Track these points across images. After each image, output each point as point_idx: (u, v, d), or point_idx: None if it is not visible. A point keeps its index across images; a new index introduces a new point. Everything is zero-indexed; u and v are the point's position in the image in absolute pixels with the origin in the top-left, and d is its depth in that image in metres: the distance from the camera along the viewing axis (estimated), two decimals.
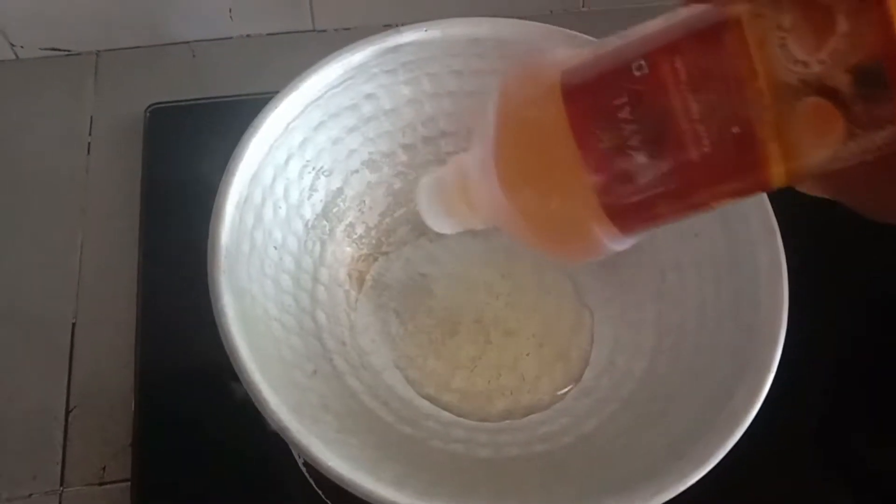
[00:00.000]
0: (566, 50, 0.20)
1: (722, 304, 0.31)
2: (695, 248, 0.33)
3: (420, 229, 0.37)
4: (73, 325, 0.42)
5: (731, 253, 0.31)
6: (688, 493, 0.26)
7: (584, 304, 0.36)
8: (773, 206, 0.30)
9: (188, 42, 0.52)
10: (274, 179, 0.31)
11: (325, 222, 0.34)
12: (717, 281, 0.31)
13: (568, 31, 0.34)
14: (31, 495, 0.37)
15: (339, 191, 0.35)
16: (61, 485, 0.37)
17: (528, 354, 0.35)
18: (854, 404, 0.40)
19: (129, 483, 0.37)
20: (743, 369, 0.27)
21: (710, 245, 0.32)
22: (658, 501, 0.25)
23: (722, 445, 0.25)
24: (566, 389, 0.34)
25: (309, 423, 0.26)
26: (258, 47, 0.52)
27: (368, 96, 0.34)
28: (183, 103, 0.48)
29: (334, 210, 0.35)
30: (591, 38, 0.35)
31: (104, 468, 0.38)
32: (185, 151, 0.45)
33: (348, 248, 0.35)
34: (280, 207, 0.31)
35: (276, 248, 0.31)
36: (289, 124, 0.31)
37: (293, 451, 0.35)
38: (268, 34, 0.52)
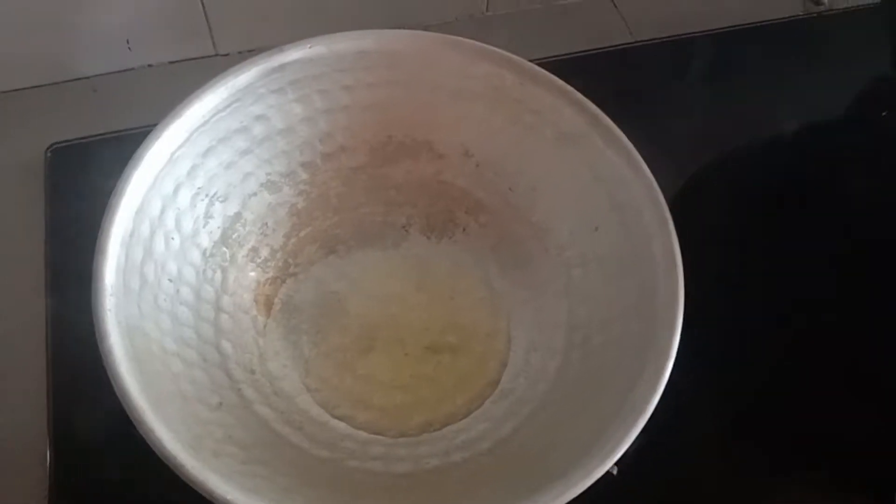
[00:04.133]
0: None
1: (625, 297, 0.31)
2: (597, 242, 0.33)
3: (328, 247, 0.37)
4: None
5: (630, 246, 0.31)
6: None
7: (498, 310, 0.36)
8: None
9: (88, 77, 0.51)
10: (163, 210, 0.30)
11: (224, 249, 0.33)
12: (620, 274, 0.31)
13: (454, 37, 0.34)
14: None
15: (238, 215, 0.34)
16: None
17: (445, 364, 0.35)
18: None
19: None
20: (644, 360, 0.27)
21: (610, 239, 0.32)
22: (564, 500, 0.24)
23: (625, 438, 0.26)
24: (484, 395, 0.33)
25: (209, 457, 0.25)
26: (161, 76, 0.51)
27: (258, 117, 0.33)
28: (85, 140, 0.47)
29: (234, 236, 0.34)
30: (478, 43, 0.35)
31: None
32: (88, 189, 0.43)
33: (252, 273, 0.35)
34: (172, 238, 0.31)
35: (170, 280, 0.30)
36: (174, 153, 0.30)
37: None
38: (170, 62, 0.51)
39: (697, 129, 0.51)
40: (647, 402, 0.26)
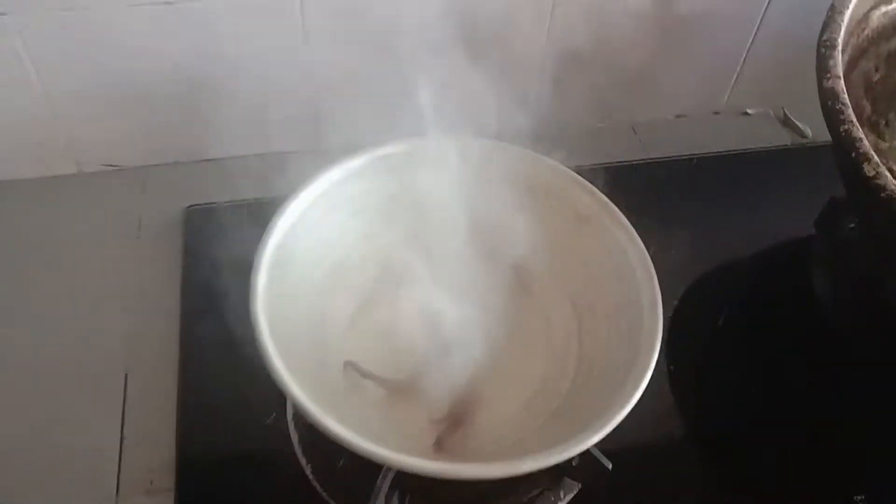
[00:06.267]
0: None
1: (621, 334, 0.42)
2: (603, 293, 0.44)
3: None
4: (126, 376, 0.52)
5: (626, 294, 0.43)
6: None
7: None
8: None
9: (219, 159, 0.65)
10: (293, 251, 0.43)
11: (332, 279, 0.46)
12: (618, 317, 0.43)
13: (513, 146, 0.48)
14: None
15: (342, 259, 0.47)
16: (117, 494, 0.47)
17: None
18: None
19: (172, 492, 0.47)
20: (629, 372, 0.39)
21: (612, 290, 0.44)
22: (566, 455, 0.35)
23: (612, 421, 0.36)
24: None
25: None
26: (276, 162, 0.64)
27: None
28: (216, 205, 0.61)
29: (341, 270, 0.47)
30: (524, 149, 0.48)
31: (151, 482, 0.48)
32: (217, 242, 0.57)
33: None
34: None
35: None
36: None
37: (304, 467, 0.46)
38: (283, 152, 0.65)
39: (697, 236, 0.63)
40: (631, 396, 0.37)
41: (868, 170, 0.42)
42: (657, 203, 0.65)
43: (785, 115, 0.73)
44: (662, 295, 0.56)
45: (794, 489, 0.50)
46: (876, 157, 0.42)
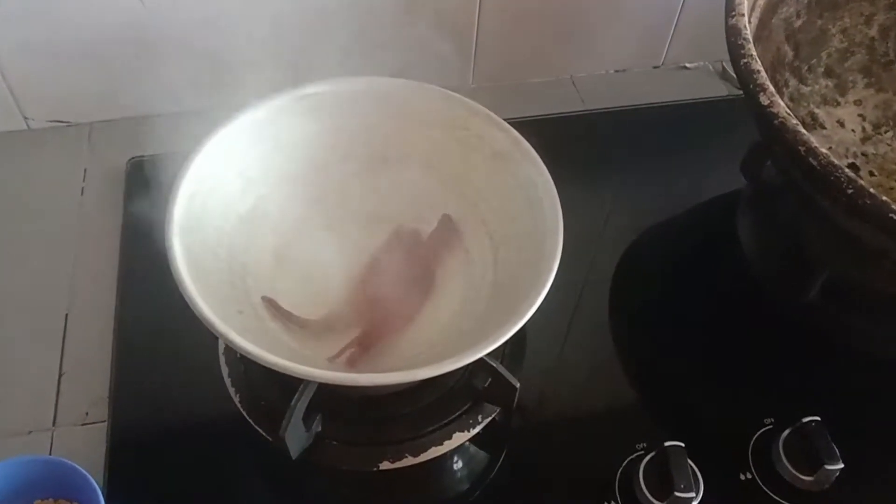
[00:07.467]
0: None
1: (529, 260, 0.44)
2: (516, 225, 0.46)
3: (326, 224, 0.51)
4: (66, 315, 0.54)
5: (534, 224, 0.44)
6: None
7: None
8: None
9: (162, 115, 0.66)
10: (215, 184, 0.45)
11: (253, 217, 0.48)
12: (527, 245, 0.45)
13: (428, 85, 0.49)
14: (30, 433, 0.48)
15: (264, 196, 0.48)
16: (53, 425, 0.49)
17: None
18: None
19: (105, 423, 0.49)
20: (528, 294, 0.40)
21: (523, 221, 0.45)
22: (456, 365, 0.37)
23: (516, 326, 0.39)
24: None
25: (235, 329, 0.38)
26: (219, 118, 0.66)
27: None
28: (156, 156, 0.62)
29: (260, 211, 0.48)
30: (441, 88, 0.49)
31: (87, 413, 0.49)
32: (156, 191, 0.58)
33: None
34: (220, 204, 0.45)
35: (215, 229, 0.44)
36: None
37: (233, 398, 0.47)
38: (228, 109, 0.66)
39: (637, 186, 0.65)
40: (523, 315, 0.39)
41: (763, 99, 0.44)
42: (595, 154, 0.67)
43: (723, 68, 0.74)
44: (609, 243, 0.59)
45: (710, 414, 0.52)
46: (772, 88, 0.44)
